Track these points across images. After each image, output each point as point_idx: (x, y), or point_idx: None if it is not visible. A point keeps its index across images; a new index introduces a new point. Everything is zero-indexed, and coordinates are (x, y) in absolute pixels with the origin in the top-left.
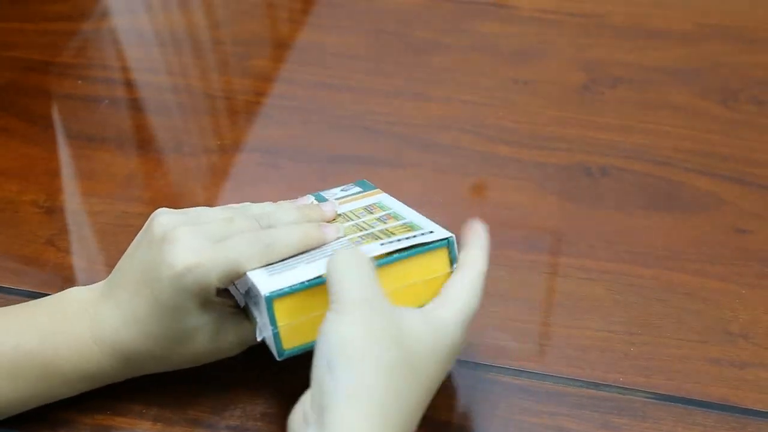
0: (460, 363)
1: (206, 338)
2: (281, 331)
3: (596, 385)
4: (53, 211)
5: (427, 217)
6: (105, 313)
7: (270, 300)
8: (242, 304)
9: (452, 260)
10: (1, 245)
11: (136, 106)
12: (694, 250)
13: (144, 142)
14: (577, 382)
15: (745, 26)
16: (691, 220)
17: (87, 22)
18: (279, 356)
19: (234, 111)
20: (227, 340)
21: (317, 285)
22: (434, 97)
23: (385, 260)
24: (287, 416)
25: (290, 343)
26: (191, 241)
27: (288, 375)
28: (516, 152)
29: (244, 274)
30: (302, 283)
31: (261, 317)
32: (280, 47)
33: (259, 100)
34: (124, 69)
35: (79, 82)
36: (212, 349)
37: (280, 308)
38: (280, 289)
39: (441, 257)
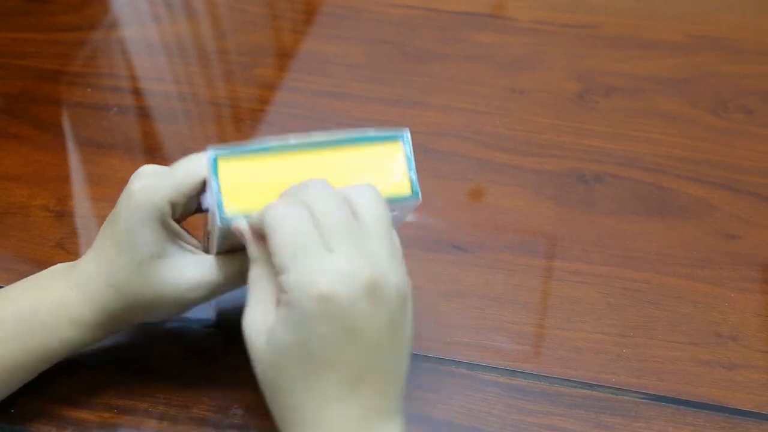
0: (457, 364)
1: (165, 272)
2: (223, 193)
3: (590, 386)
4: (63, 215)
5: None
6: (80, 262)
7: (215, 160)
8: (214, 248)
9: (408, 163)
10: (12, 248)
11: (143, 113)
12: (685, 254)
13: (151, 149)
14: (571, 383)
15: (735, 38)
16: (682, 225)
17: (96, 32)
18: (221, 221)
19: (238, 118)
20: (187, 277)
21: (263, 152)
22: (432, 106)
23: (331, 142)
24: None
25: (232, 207)
26: (148, 168)
27: None
28: (512, 159)
29: (200, 187)
30: (249, 148)
31: (210, 192)
32: (284, 57)
33: (263, 108)
34: (133, 78)
35: (89, 90)
36: (174, 285)
37: (225, 169)
38: (226, 150)
39: (393, 153)
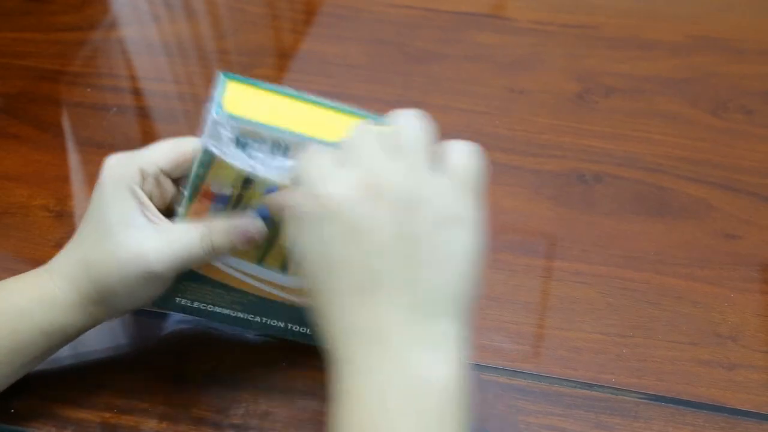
0: None
1: (131, 241)
2: (225, 100)
3: (589, 386)
4: (63, 215)
5: None
6: (61, 251)
7: (224, 79)
8: (183, 206)
9: None
10: (12, 248)
11: (143, 113)
12: (685, 254)
13: None
14: (571, 383)
15: (735, 38)
16: (681, 225)
17: (96, 32)
18: (216, 113)
19: None
20: (152, 246)
21: (272, 90)
22: (432, 106)
23: (339, 107)
24: (290, 415)
25: (230, 110)
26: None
27: (291, 373)
28: (512, 159)
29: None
30: (260, 82)
31: (211, 105)
32: (283, 57)
33: None
34: (132, 78)
35: (89, 90)
36: (138, 255)
37: (231, 88)
38: (238, 76)
39: None
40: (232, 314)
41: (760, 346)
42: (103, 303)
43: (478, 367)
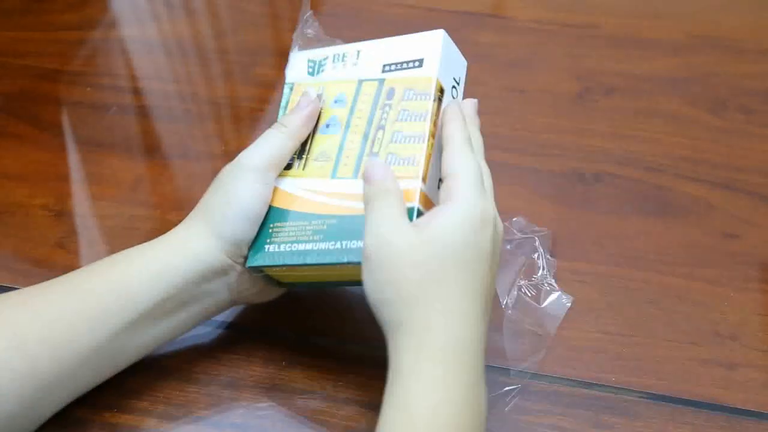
0: None
1: (251, 202)
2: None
3: (589, 385)
4: (62, 214)
5: None
6: None
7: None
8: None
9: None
10: (12, 247)
11: (143, 113)
12: (685, 253)
13: (151, 148)
14: (571, 382)
15: (735, 37)
16: (681, 224)
17: (96, 31)
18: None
19: (238, 118)
20: (246, 154)
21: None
22: None
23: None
24: (290, 414)
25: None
26: None
27: (291, 373)
28: (512, 158)
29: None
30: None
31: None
32: (283, 56)
33: (263, 107)
34: (132, 77)
35: (88, 89)
36: (237, 163)
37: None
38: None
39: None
40: (314, 248)
41: (760, 346)
42: (233, 236)
43: None
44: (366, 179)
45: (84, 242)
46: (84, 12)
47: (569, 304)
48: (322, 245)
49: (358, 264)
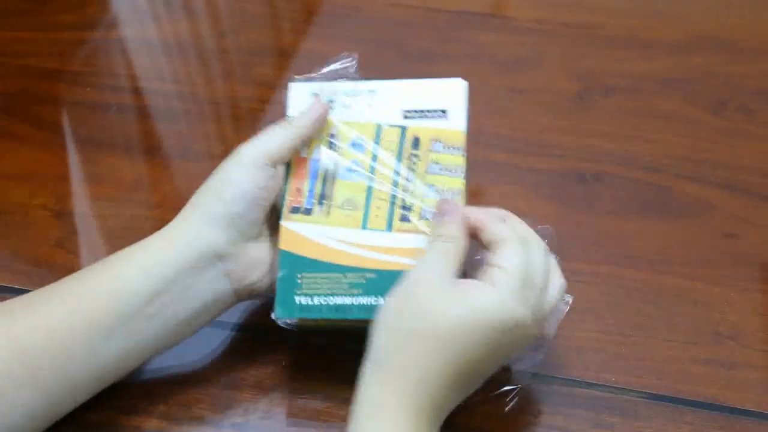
0: None
1: (247, 185)
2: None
3: (589, 385)
4: (62, 214)
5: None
6: None
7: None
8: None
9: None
10: (12, 247)
11: (143, 112)
12: (685, 253)
13: (151, 148)
14: (571, 382)
15: (735, 37)
16: (681, 224)
17: (96, 31)
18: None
19: (238, 118)
20: (246, 145)
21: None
22: None
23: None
24: (290, 414)
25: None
26: None
27: (291, 373)
28: (512, 159)
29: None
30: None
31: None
32: (283, 56)
33: (263, 107)
34: (132, 77)
35: (88, 89)
36: (236, 152)
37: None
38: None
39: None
40: (355, 303)
41: (759, 345)
42: (227, 215)
43: None
44: (439, 212)
45: (84, 242)
46: (84, 12)
47: (569, 304)
48: (364, 300)
49: None
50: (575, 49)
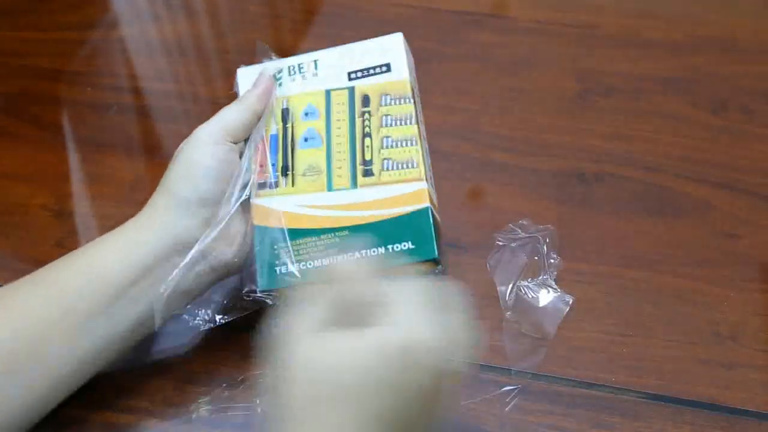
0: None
1: (210, 162)
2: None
3: (589, 385)
4: (62, 214)
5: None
6: None
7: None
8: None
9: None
10: (12, 247)
11: (143, 112)
12: (685, 253)
13: (151, 148)
14: (571, 382)
15: (735, 37)
16: (681, 224)
17: (96, 31)
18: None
19: None
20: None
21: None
22: (432, 105)
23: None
24: None
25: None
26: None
27: None
28: (512, 158)
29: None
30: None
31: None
32: (283, 56)
33: None
34: (132, 77)
35: (89, 89)
36: (197, 130)
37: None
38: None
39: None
40: (333, 263)
41: (759, 346)
42: (197, 195)
43: (478, 367)
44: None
45: (84, 242)
46: (84, 12)
47: (569, 304)
48: (341, 258)
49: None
50: (575, 49)
